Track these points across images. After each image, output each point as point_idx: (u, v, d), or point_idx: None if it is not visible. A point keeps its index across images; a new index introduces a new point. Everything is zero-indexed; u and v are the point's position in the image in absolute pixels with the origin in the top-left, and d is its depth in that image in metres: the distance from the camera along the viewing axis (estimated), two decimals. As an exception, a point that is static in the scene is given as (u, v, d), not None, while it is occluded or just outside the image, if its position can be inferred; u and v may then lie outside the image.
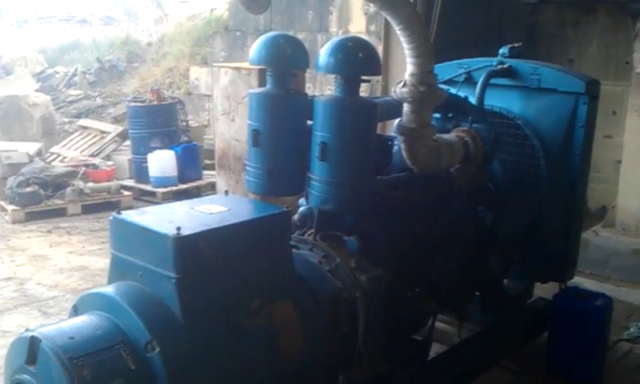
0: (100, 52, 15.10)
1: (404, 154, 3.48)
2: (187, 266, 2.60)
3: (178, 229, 2.58)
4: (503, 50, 4.58)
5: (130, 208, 8.36)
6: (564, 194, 4.48)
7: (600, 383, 4.49)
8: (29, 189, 7.97)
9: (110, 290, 2.71)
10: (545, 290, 5.00)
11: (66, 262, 6.52)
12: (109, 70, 14.34)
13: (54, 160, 9.50)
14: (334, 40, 3.30)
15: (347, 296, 3.23)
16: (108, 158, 9.72)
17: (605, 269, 6.51)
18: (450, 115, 4.10)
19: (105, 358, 2.43)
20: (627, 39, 7.43)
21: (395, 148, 3.61)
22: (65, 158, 9.59)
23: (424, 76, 3.32)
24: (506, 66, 4.49)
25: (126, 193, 8.65)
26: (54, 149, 10.07)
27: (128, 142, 9.69)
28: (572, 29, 8.26)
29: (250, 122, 3.39)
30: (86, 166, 8.91)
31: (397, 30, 3.23)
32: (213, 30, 11.71)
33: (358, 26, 8.34)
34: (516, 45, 4.63)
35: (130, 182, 9.06)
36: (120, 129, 10.30)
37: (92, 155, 9.72)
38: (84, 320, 2.62)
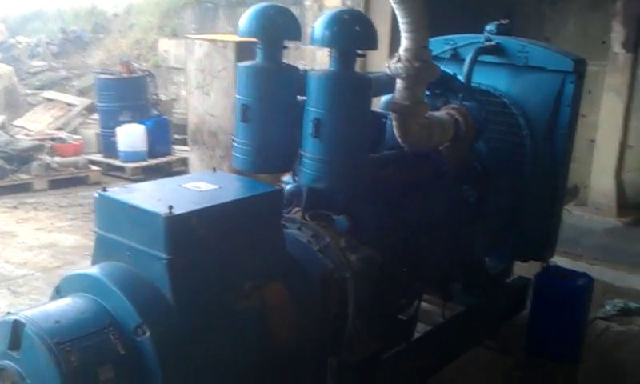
0: (64, 22, 14.61)
1: (396, 131, 3.39)
2: (179, 245, 2.49)
3: (170, 207, 2.46)
4: (490, 27, 4.51)
5: (99, 183, 8.15)
6: (548, 174, 4.47)
7: (579, 361, 4.52)
8: (-7, 163, 7.70)
9: (95, 270, 2.58)
10: (522, 269, 5.01)
11: (35, 239, 6.31)
12: (73, 41, 13.89)
13: (18, 133, 9.17)
14: (330, 12, 3.17)
15: (337, 277, 3.16)
16: (75, 131, 9.43)
17: (577, 247, 6.57)
18: (438, 92, 4.02)
19: (93, 343, 2.32)
20: (604, 18, 7.47)
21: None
22: (30, 131, 9.27)
23: (419, 51, 3.22)
24: (493, 43, 4.42)
25: (95, 168, 8.42)
26: (18, 122, 9.74)
27: (95, 116, 9.42)
28: (549, 6, 8.26)
29: (238, 96, 3.26)
30: (53, 139, 8.63)
31: (392, 3, 3.12)
32: (183, 2, 11.41)
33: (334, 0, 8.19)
34: (503, 21, 4.57)
35: (98, 157, 8.79)
36: (87, 101, 10.00)
37: (58, 129, 9.41)
38: (68, 303, 2.49)
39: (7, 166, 7.77)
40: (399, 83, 3.32)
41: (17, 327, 2.30)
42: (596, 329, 4.96)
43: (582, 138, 7.63)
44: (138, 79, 9.00)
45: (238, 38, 7.02)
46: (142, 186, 2.88)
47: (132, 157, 8.47)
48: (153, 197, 2.64)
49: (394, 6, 3.14)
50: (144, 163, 8.49)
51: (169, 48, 11.26)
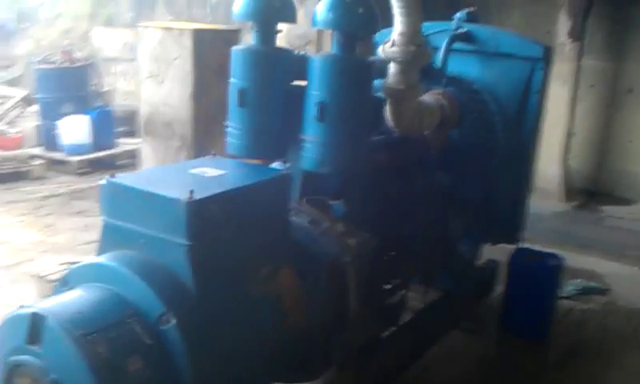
0: (-14, 11, 13.92)
1: (389, 115, 3.41)
2: (199, 231, 2.43)
3: (191, 192, 2.39)
4: (460, 15, 4.60)
5: (43, 178, 7.86)
6: (518, 159, 4.59)
7: (549, 339, 4.68)
8: None
9: (109, 259, 2.48)
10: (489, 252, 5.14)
11: (-15, 236, 5.99)
12: (-3, 31, 13.25)
13: (-51, 127, 8.70)
14: None
15: (339, 261, 3.15)
16: (12, 124, 9.01)
17: (532, 232, 6.78)
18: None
19: (119, 333, 2.24)
20: (549, 10, 7.73)
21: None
22: (-37, 124, 8.81)
23: (414, 36, 3.25)
24: (464, 30, 4.51)
25: (39, 161, 8.06)
26: (-53, 115, 9.23)
27: (33, 108, 9.03)
28: (494, -3, 8.46)
29: (234, 80, 3.19)
30: (-10, 132, 8.23)
31: (388, -14, 3.13)
32: (118, -11, 11.08)
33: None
34: (471, 9, 4.67)
35: (39, 150, 8.43)
36: (24, 93, 9.56)
37: (-7, 121, 8.99)
38: (82, 294, 2.39)
39: (-59, 161, 7.36)
40: (393, 67, 3.33)
41: (36, 320, 2.19)
42: (562, 308, 5.13)
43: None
44: (79, 69, 8.70)
45: (193, 26, 6.89)
46: (149, 173, 2.79)
47: (76, 150, 8.16)
48: (167, 183, 2.56)
49: (391, -11, 3.15)
50: (90, 156, 8.19)
51: (104, 37, 10.90)
